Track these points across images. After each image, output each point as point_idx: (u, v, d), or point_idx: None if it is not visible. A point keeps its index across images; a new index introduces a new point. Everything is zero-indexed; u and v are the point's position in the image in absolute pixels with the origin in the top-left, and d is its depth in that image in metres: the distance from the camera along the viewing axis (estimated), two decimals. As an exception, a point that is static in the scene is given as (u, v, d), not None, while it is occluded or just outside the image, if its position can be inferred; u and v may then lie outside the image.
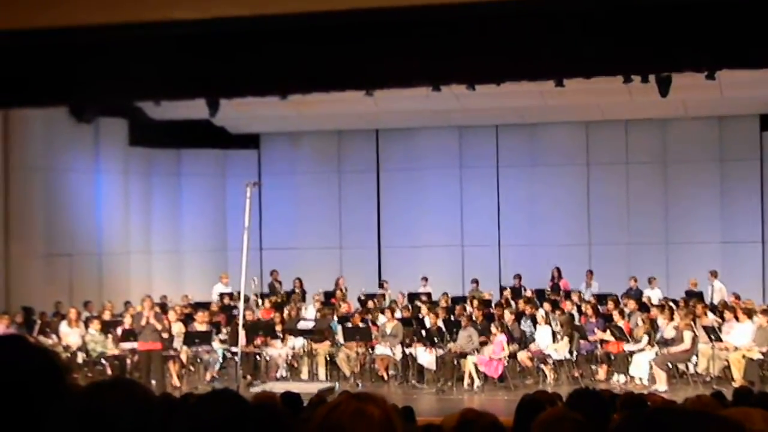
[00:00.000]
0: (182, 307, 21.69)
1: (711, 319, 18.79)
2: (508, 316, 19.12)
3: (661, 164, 25.29)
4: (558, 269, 23.83)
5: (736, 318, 18.29)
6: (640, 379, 17.72)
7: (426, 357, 18.45)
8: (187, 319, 20.12)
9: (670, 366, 17.66)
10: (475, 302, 20.91)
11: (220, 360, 19.52)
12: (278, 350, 19.43)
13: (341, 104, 21.77)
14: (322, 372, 19.14)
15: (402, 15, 12.16)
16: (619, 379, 18.02)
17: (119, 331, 19.48)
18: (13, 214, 21.70)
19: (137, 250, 25.43)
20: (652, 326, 18.51)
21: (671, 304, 19.88)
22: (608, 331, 18.53)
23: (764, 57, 12.34)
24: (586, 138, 25.69)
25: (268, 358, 19.40)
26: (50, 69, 13.55)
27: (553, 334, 18.74)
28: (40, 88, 14.07)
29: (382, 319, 19.92)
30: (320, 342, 19.27)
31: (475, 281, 23.93)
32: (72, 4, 11.85)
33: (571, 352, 18.49)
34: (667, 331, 17.98)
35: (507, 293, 22.34)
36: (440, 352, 18.44)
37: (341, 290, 23.38)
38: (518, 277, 23.78)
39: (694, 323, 18.15)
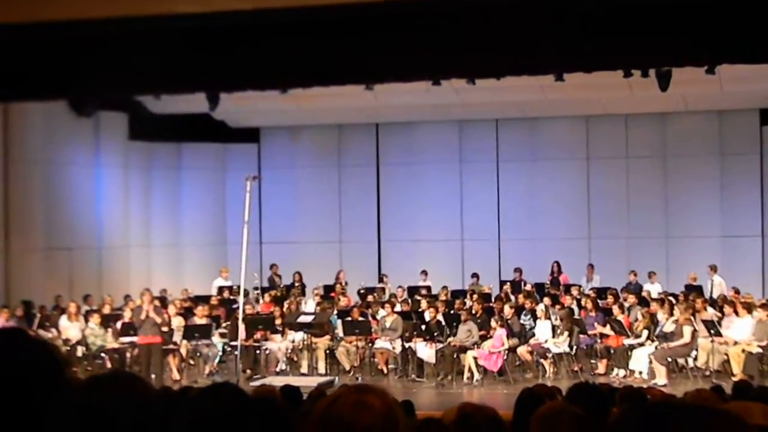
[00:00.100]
0: (182, 300, 21.71)
1: (710, 313, 18.80)
2: (508, 310, 19.11)
3: (661, 158, 25.28)
4: (558, 263, 23.83)
5: (736, 312, 18.30)
6: (640, 373, 17.72)
7: (426, 351, 18.45)
8: (186, 313, 20.13)
9: (670, 360, 17.66)
10: (475, 296, 20.92)
11: (220, 354, 19.53)
12: (278, 344, 19.44)
13: (341, 98, 21.78)
14: (321, 366, 19.15)
15: (402, 9, 12.15)
16: (618, 373, 18.02)
17: (119, 324, 19.49)
18: (13, 207, 21.70)
19: (137, 243, 25.44)
20: (652, 320, 18.50)
21: (671, 298, 19.88)
22: (608, 326, 18.53)
23: (764, 51, 12.33)
24: (586, 132, 25.68)
25: (267, 352, 19.40)
26: (50, 62, 13.56)
27: (553, 328, 18.75)
28: (41, 82, 14.08)
29: (381, 313, 19.92)
30: (320, 336, 19.27)
31: (476, 275, 23.95)
32: (72, -3, 11.83)
33: (570, 347, 18.50)
34: (667, 325, 17.99)
35: (507, 287, 22.35)
36: (440, 346, 18.44)
37: (341, 284, 23.39)
38: (519, 270, 23.78)
39: (694, 317, 18.15)
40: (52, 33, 12.62)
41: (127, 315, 19.67)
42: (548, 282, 23.14)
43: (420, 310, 20.04)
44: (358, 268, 25.15)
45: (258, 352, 19.43)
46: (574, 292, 21.30)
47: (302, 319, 19.75)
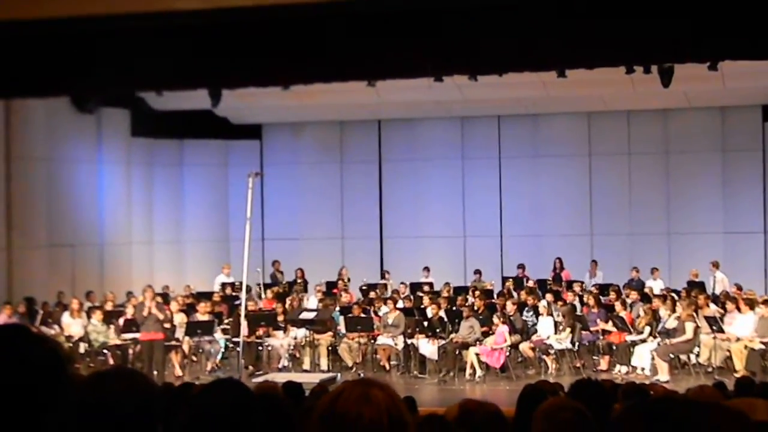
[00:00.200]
0: (184, 297, 21.71)
1: (713, 309, 18.79)
2: (510, 307, 19.10)
3: (663, 155, 25.27)
4: (560, 260, 23.85)
5: (738, 309, 18.28)
6: (642, 369, 17.72)
7: (428, 347, 18.45)
8: (189, 310, 20.14)
9: (672, 356, 17.66)
10: (477, 293, 20.92)
11: (222, 350, 19.55)
12: (280, 340, 19.45)
13: (343, 95, 21.76)
14: (324, 362, 19.14)
15: (403, 6, 12.16)
16: (620, 369, 18.01)
17: (121, 321, 19.51)
18: (15, 204, 21.70)
19: (139, 240, 25.45)
20: (654, 317, 18.50)
21: (673, 294, 19.88)
22: (610, 322, 18.53)
23: (766, 48, 12.33)
24: (588, 129, 25.67)
25: (270, 349, 19.42)
26: (53, 59, 13.57)
27: (555, 324, 18.74)
28: (43, 78, 14.09)
29: (384, 309, 19.93)
30: (322, 332, 19.28)
31: (478, 272, 23.94)
32: (74, -6, 11.84)
33: (573, 343, 18.49)
34: (669, 321, 17.98)
35: (509, 284, 22.34)
36: (442, 342, 18.44)
37: (343, 280, 23.39)
38: (522, 266, 23.77)
39: (696, 314, 18.14)
40: (54, 30, 12.63)
41: (129, 311, 19.67)
42: (550, 278, 23.13)
43: (422, 306, 20.04)
44: (361, 264, 25.16)
45: (260, 348, 19.44)
46: (577, 288, 21.29)
47: (304, 315, 19.76)
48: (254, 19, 12.41)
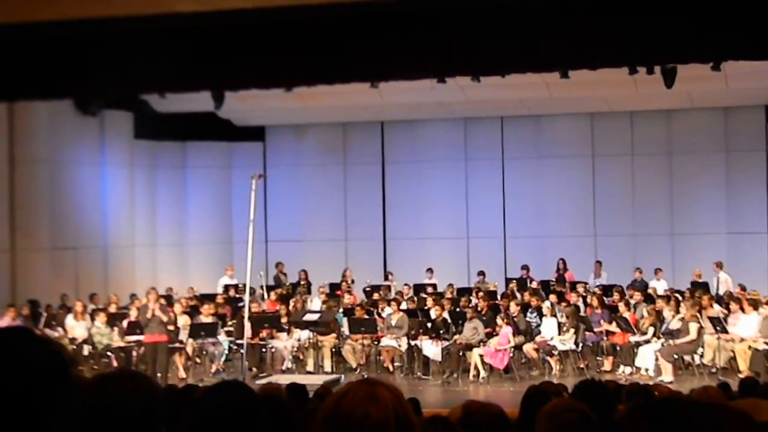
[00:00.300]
0: (188, 299, 21.73)
1: (717, 310, 18.78)
2: (514, 308, 19.10)
3: (666, 155, 25.26)
4: (563, 261, 23.84)
5: (742, 309, 18.28)
6: (646, 370, 17.71)
7: (431, 349, 18.45)
8: (192, 312, 20.15)
9: (676, 357, 17.65)
10: (481, 294, 20.92)
11: (226, 352, 19.56)
12: (284, 342, 19.45)
13: (346, 96, 21.77)
14: (327, 364, 19.15)
15: (406, 6, 12.15)
16: (624, 370, 18.00)
17: (125, 323, 19.51)
18: (19, 207, 21.71)
19: (143, 242, 25.47)
20: (658, 317, 18.49)
21: (677, 295, 19.86)
22: (614, 323, 18.53)
23: (770, 48, 12.31)
24: (591, 129, 25.66)
25: (273, 350, 19.42)
26: (55, 61, 13.57)
27: (559, 325, 18.74)
28: (46, 81, 14.09)
29: (387, 310, 19.93)
30: (326, 334, 19.28)
31: (482, 273, 23.92)
32: (77, -4, 11.85)
33: (576, 344, 18.48)
34: (673, 322, 17.98)
35: (513, 285, 22.33)
36: (446, 343, 18.44)
37: (347, 282, 23.39)
38: (526, 268, 23.76)
39: (700, 314, 18.13)
40: (57, 32, 12.64)
41: (133, 314, 19.68)
42: (554, 279, 23.13)
43: (426, 307, 20.03)
44: (364, 266, 25.15)
45: (264, 350, 19.44)
46: (580, 289, 21.28)
47: (308, 317, 19.76)
48: (256, 21, 12.41)
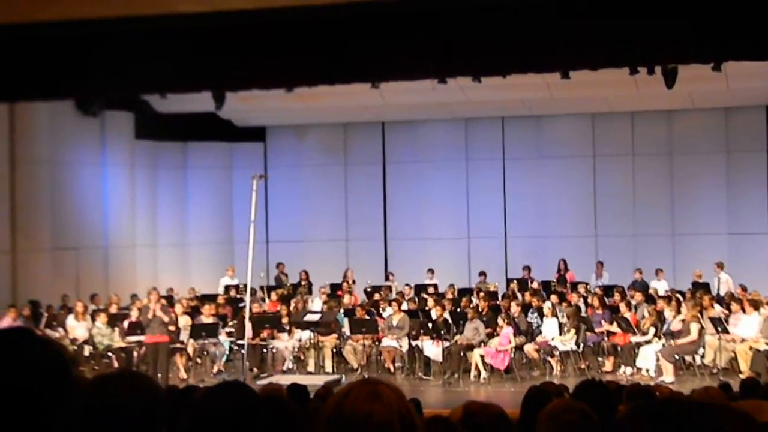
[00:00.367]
0: (189, 299, 21.74)
1: (718, 310, 18.78)
2: (515, 308, 19.10)
3: (667, 156, 25.26)
4: (564, 261, 23.84)
5: (743, 309, 18.28)
6: (647, 370, 17.71)
7: (432, 349, 18.45)
8: (193, 312, 20.14)
9: (677, 357, 17.65)
10: (482, 294, 20.92)
11: (227, 352, 19.56)
12: (285, 343, 19.45)
13: (347, 97, 21.78)
14: (328, 364, 19.15)
15: (407, 7, 12.15)
16: (625, 370, 18.00)
17: (126, 323, 19.49)
18: (20, 207, 21.71)
19: (143, 243, 25.47)
20: (659, 318, 18.49)
21: (678, 295, 19.87)
22: (615, 323, 18.53)
23: (770, 48, 12.31)
24: (592, 130, 25.66)
25: (274, 351, 19.41)
26: (56, 62, 13.57)
27: (560, 325, 18.74)
28: (46, 81, 14.09)
29: (388, 311, 19.93)
30: (327, 334, 19.29)
31: (483, 274, 23.91)
32: (77, -3, 11.85)
33: (577, 344, 18.48)
34: (674, 323, 17.97)
35: (514, 285, 22.32)
36: (447, 344, 18.44)
37: (348, 282, 23.39)
38: (527, 268, 23.75)
39: (701, 315, 18.14)
40: (57, 32, 12.64)
41: (134, 314, 19.68)
42: (555, 280, 23.13)
43: (427, 308, 20.03)
44: (365, 266, 25.15)
45: (265, 350, 19.43)
46: (581, 289, 21.27)
47: (309, 317, 19.77)
48: (257, 21, 12.41)
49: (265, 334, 19.40)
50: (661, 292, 20.96)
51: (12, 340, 2.28)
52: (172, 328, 18.47)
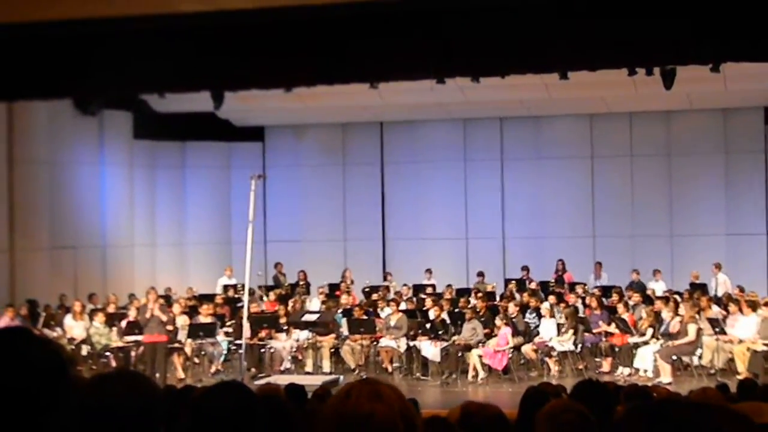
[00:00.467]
0: (187, 299, 21.73)
1: (715, 311, 18.78)
2: (513, 309, 19.11)
3: (665, 156, 25.26)
4: (562, 261, 23.84)
5: (741, 310, 18.28)
6: (645, 371, 17.71)
7: (430, 349, 18.45)
8: (191, 312, 20.14)
9: (675, 358, 17.65)
10: (480, 294, 20.92)
11: (225, 352, 19.54)
12: (283, 343, 19.44)
13: (346, 97, 21.78)
14: (326, 364, 19.15)
15: (406, 7, 12.15)
16: (623, 371, 18.00)
17: (124, 323, 19.50)
18: (18, 206, 21.71)
19: (142, 242, 25.46)
20: (657, 319, 18.49)
21: (676, 296, 19.87)
22: (613, 324, 18.53)
23: (769, 49, 12.32)
24: (590, 130, 25.67)
25: (272, 351, 19.40)
26: (55, 61, 13.57)
27: (558, 326, 18.74)
28: (45, 81, 14.09)
29: (386, 311, 19.93)
30: (325, 334, 19.29)
31: (481, 274, 23.92)
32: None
33: (575, 345, 18.48)
34: (672, 323, 17.97)
35: (512, 286, 22.32)
36: (444, 344, 18.44)
37: (346, 282, 23.38)
38: (526, 269, 23.75)
39: (699, 315, 18.14)
40: (56, 32, 12.64)
41: (131, 314, 19.68)
42: (553, 280, 23.13)
43: (425, 308, 20.03)
44: (363, 266, 25.15)
45: (263, 350, 19.42)
46: (579, 290, 21.28)
47: (307, 317, 19.77)
48: (256, 21, 12.41)
49: (263, 334, 19.39)
50: (659, 293, 20.96)
51: (10, 340, 2.28)
52: (170, 327, 18.46)
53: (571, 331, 18.46)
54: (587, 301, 19.91)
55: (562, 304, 19.95)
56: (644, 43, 12.43)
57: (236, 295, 22.07)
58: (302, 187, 26.86)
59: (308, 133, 27.14)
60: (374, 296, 21.75)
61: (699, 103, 23.80)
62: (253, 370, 18.90)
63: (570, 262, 23.85)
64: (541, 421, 4.31)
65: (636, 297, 19.99)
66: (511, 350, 18.17)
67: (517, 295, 21.16)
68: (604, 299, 19.98)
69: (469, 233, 26.21)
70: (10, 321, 18.54)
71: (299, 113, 24.64)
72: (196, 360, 19.56)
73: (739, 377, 15.40)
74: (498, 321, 18.40)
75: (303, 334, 19.46)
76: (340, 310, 20.51)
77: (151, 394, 2.79)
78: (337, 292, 22.46)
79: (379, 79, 16.60)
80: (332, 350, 19.25)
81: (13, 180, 21.60)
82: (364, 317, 19.50)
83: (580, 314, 19.34)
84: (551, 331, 18.59)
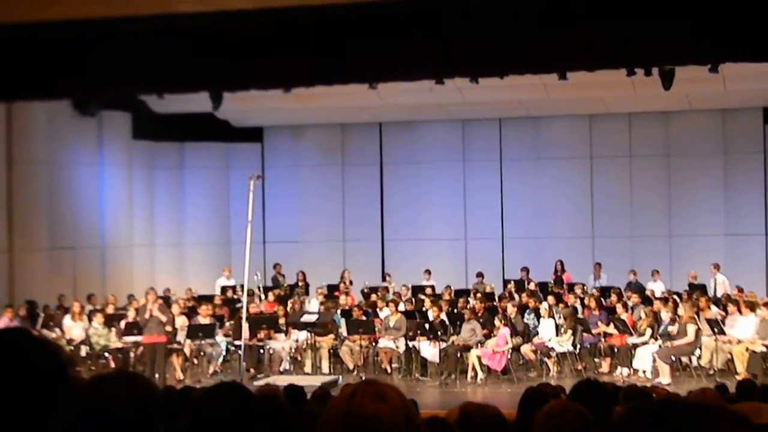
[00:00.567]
0: (185, 300, 21.73)
1: (714, 312, 18.78)
2: (512, 309, 19.11)
3: (664, 157, 25.27)
4: (561, 262, 23.84)
5: (739, 311, 18.29)
6: (644, 371, 17.71)
7: (429, 350, 18.45)
8: (190, 312, 20.14)
9: (674, 359, 17.66)
10: (478, 295, 20.92)
11: (224, 353, 19.54)
12: (281, 343, 19.44)
13: (344, 97, 21.78)
14: (325, 365, 19.15)
15: (405, 8, 12.15)
16: (622, 371, 18.00)
17: (123, 324, 19.49)
18: (17, 207, 21.70)
19: (141, 243, 25.46)
20: (656, 319, 18.49)
21: (674, 297, 19.87)
22: (611, 324, 18.53)
23: (767, 50, 12.32)
24: (589, 131, 25.67)
25: (271, 352, 19.39)
26: (53, 62, 13.57)
27: (557, 327, 18.74)
28: (44, 81, 14.08)
29: (385, 311, 19.93)
30: (324, 335, 19.28)
31: (480, 275, 23.92)
32: (75, -3, 11.85)
33: (574, 345, 18.49)
34: (671, 324, 17.97)
35: (511, 286, 22.32)
36: (443, 345, 18.43)
37: (345, 283, 23.38)
38: (525, 269, 23.73)
39: (698, 316, 18.14)
40: (55, 32, 12.64)
41: (130, 314, 19.68)
42: (552, 281, 23.13)
43: (423, 309, 20.03)
44: (362, 267, 25.16)
45: (262, 351, 19.42)
46: (578, 291, 21.29)
47: (306, 318, 19.75)
48: (255, 21, 12.41)
49: (262, 334, 19.39)
50: (658, 294, 20.96)
51: (9, 341, 2.28)
52: (169, 328, 18.45)
53: (570, 332, 18.46)
54: (586, 301, 19.93)
55: (561, 305, 19.96)
56: (643, 43, 12.43)
57: (235, 296, 22.07)
58: (301, 187, 26.86)
59: (307, 133, 27.14)
60: (373, 297, 21.74)
61: (698, 104, 23.81)
62: (252, 370, 18.90)
63: (569, 262, 23.85)
64: (540, 422, 4.31)
65: (635, 297, 19.99)
66: (510, 351, 18.17)
67: (516, 296, 21.16)
68: (603, 300, 19.99)
69: (468, 234, 26.21)
70: (9, 322, 18.54)
71: (298, 114, 24.64)
72: (195, 361, 19.55)
73: (738, 378, 15.40)
74: (497, 321, 18.40)
75: (302, 335, 19.46)
76: (339, 311, 20.50)
77: (150, 395, 2.79)
78: (336, 293, 22.45)
79: (378, 80, 16.60)
80: (331, 351, 19.25)
81: (12, 180, 21.60)
82: (363, 318, 19.49)
83: (579, 315, 19.35)
84: (550, 332, 18.59)
